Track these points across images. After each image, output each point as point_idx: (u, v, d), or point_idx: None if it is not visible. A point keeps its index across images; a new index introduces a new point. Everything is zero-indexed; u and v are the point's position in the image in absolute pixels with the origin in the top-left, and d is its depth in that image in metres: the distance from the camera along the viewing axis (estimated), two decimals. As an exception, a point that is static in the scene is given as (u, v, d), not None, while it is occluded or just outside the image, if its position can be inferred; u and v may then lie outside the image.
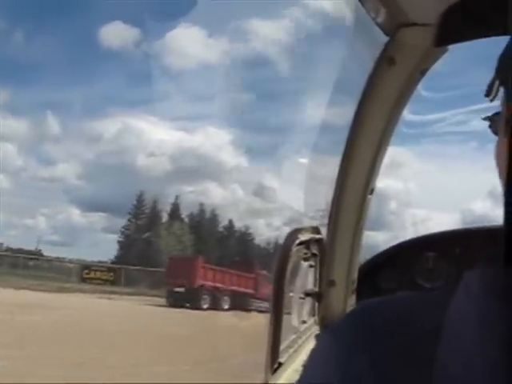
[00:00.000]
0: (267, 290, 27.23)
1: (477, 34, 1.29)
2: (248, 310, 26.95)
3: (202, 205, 44.89)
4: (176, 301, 25.90)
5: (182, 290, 26.42)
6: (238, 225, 45.69)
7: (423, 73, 1.47)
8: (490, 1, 1.06)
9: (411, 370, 0.44)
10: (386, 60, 1.45)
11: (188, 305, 25.56)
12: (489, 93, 0.58)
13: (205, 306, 26.47)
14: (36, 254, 35.10)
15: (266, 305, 27.32)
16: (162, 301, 26.43)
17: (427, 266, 1.87)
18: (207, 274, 28.10)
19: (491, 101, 0.58)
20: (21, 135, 45.13)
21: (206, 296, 27.08)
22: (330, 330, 0.53)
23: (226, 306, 27.58)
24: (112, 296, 26.72)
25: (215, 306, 26.56)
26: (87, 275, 30.68)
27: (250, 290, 29.10)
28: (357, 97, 1.53)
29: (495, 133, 0.57)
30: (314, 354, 0.52)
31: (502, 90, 0.56)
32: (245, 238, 45.24)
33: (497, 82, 0.56)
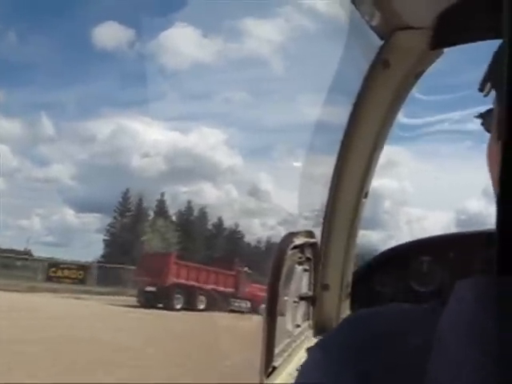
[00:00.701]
0: (249, 288, 26.98)
1: (471, 37, 1.29)
2: (227, 311, 25.15)
3: (189, 202, 44.98)
4: (147, 301, 23.85)
5: (153, 289, 24.22)
6: (228, 223, 45.82)
7: (418, 76, 1.47)
8: (485, 4, 1.06)
9: (402, 383, 0.43)
10: (380, 63, 1.45)
11: (160, 305, 23.78)
12: (482, 89, 0.58)
13: (178, 307, 24.39)
14: (27, 254, 34.38)
15: (248, 305, 26.87)
16: (135, 301, 24.54)
17: (422, 270, 1.87)
18: (180, 271, 25.71)
19: (485, 96, 0.58)
20: (15, 136, 45.43)
21: (179, 295, 24.80)
22: (319, 344, 0.52)
23: (202, 307, 25.54)
24: (82, 296, 24.51)
25: (190, 307, 24.57)
26: (54, 273, 28.56)
27: (229, 289, 27.07)
28: (352, 99, 1.53)
29: (488, 130, 0.57)
30: (304, 368, 0.52)
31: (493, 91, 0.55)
32: (234, 237, 45.22)
33: (488, 85, 0.56)
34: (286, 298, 1.65)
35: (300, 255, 1.73)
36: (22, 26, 42.94)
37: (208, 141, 46.23)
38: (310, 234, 1.78)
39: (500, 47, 0.52)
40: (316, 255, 1.79)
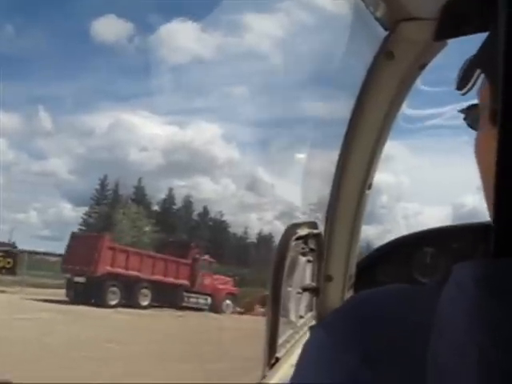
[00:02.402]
0: (210, 281, 23.24)
1: (476, 28, 1.28)
2: (178, 308, 21.00)
3: (171, 190, 44.57)
4: (76, 295, 19.24)
5: (82, 279, 19.52)
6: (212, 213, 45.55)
7: (422, 67, 1.46)
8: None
9: (404, 362, 0.44)
10: (384, 54, 1.44)
11: (93, 300, 19.06)
12: (463, 85, 0.58)
13: (112, 303, 19.59)
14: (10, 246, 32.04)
15: (207, 301, 23.00)
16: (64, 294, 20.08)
17: (425, 261, 1.87)
18: (117, 257, 20.24)
19: (464, 94, 0.58)
20: (12, 129, 45.29)
21: (114, 288, 19.92)
22: (321, 324, 0.53)
23: (145, 303, 20.74)
24: (7, 289, 20.03)
25: (128, 303, 19.84)
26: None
27: (182, 281, 22.25)
28: (355, 91, 1.52)
29: (471, 126, 0.57)
30: (306, 349, 0.53)
31: (480, 82, 0.55)
32: (219, 226, 45.03)
33: (477, 72, 0.55)
34: (289, 288, 1.65)
35: (303, 246, 1.74)
36: (19, 19, 42.59)
37: (206, 135, 46.18)
38: (313, 224, 1.78)
39: (489, 34, 0.53)
40: (319, 246, 1.79)
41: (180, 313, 20.01)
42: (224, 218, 45.78)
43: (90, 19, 45.04)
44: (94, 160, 47.11)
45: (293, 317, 1.71)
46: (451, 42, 1.38)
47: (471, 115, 0.58)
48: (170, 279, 22.09)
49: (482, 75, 0.54)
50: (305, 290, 1.80)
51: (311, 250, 1.80)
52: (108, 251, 20.30)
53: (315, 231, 1.78)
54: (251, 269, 31.75)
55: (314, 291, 1.82)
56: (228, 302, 23.93)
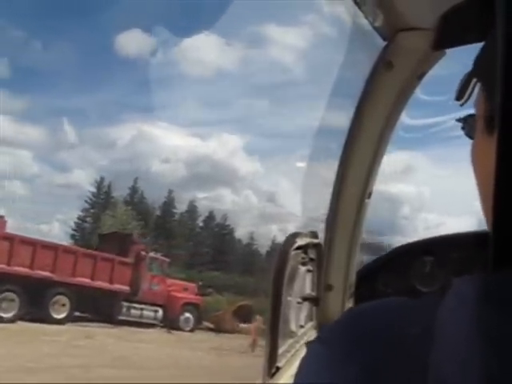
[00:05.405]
0: (161, 287, 17.57)
1: (474, 38, 1.29)
2: (114, 323, 15.82)
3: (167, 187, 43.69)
4: None
5: None
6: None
7: (421, 77, 1.47)
8: (488, 5, 1.06)
9: (404, 376, 0.44)
10: (383, 64, 1.45)
11: None
12: (460, 96, 0.59)
13: (8, 315, 14.05)
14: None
15: (158, 314, 17.58)
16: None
17: (425, 271, 1.87)
18: (17, 251, 14.45)
19: (461, 105, 0.59)
20: (37, 142, 46.21)
21: (13, 295, 14.31)
22: (318, 339, 0.53)
23: (61, 315, 15.16)
24: None
25: (35, 316, 14.54)
26: None
27: (119, 286, 16.52)
28: (355, 101, 1.53)
29: (469, 135, 0.57)
30: (304, 363, 0.52)
31: (477, 91, 0.56)
32: (220, 231, 44.81)
33: (473, 81, 0.56)
34: (289, 298, 1.65)
35: (303, 256, 1.74)
36: (45, 34, 43.54)
37: (227, 146, 46.37)
38: (313, 234, 1.78)
39: (486, 44, 0.53)
40: (319, 256, 1.79)
41: (115, 330, 15.21)
42: (246, 230, 45.72)
43: (115, 33, 45.75)
44: (116, 172, 47.41)
45: (293, 326, 1.70)
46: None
47: (468, 124, 0.58)
48: (101, 283, 16.09)
49: (479, 85, 0.55)
50: (305, 299, 1.79)
51: (311, 259, 1.80)
52: (1, 242, 14.19)
53: (315, 241, 1.78)
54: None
55: (314, 301, 1.81)
56: (187, 314, 18.63)
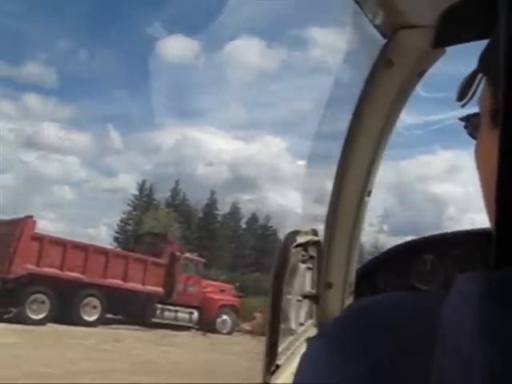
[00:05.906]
0: (197, 288, 16.97)
1: (475, 35, 1.29)
2: (147, 326, 15.39)
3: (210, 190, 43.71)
4: None
5: None
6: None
7: (421, 75, 1.47)
8: (489, 2, 1.06)
9: (407, 371, 0.43)
10: (383, 62, 1.45)
11: (8, 314, 13.29)
12: (463, 95, 0.58)
13: (39, 317, 13.77)
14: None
15: (193, 316, 16.95)
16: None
17: (425, 268, 1.87)
18: (46, 252, 13.96)
19: (463, 106, 0.58)
20: (83, 148, 47.27)
21: (43, 296, 13.97)
22: (320, 334, 0.52)
23: (92, 318, 14.83)
24: None
25: (66, 318, 14.06)
26: None
27: (152, 288, 16.02)
28: (354, 99, 1.53)
29: (471, 134, 0.57)
30: (305, 360, 0.51)
31: (481, 89, 0.56)
32: (264, 233, 44.57)
33: (478, 77, 0.56)
34: (289, 296, 1.65)
35: (303, 253, 1.74)
36: (90, 43, 44.00)
37: (271, 149, 46.43)
38: (313, 232, 1.79)
39: (491, 40, 0.53)
40: (319, 253, 1.79)
41: (147, 333, 14.76)
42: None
43: (157, 38, 46.09)
44: (161, 175, 47.90)
45: (293, 324, 1.71)
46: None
47: (472, 123, 0.58)
48: (133, 285, 15.57)
49: (483, 82, 0.55)
50: (305, 297, 1.79)
51: (311, 257, 1.80)
52: (31, 242, 13.68)
53: (315, 238, 1.78)
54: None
55: (314, 298, 1.81)
56: (225, 317, 18.11)
